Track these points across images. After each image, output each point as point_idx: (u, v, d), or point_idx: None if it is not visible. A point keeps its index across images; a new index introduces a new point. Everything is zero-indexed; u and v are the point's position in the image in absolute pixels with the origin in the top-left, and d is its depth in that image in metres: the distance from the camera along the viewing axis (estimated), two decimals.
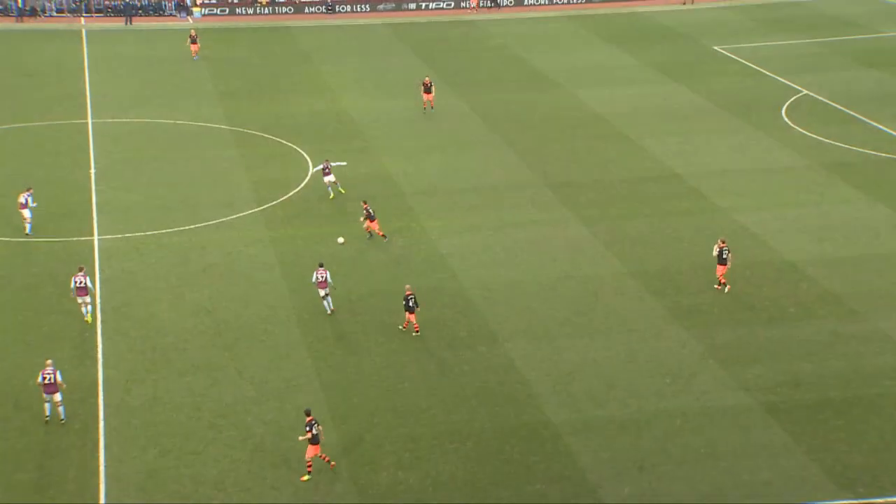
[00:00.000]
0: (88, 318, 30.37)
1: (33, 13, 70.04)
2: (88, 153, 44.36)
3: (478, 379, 28.26)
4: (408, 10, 76.78)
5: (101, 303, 31.61)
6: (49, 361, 26.14)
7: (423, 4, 76.72)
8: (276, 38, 67.82)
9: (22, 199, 35.97)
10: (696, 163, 44.56)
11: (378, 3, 76.12)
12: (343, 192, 39.55)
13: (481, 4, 76.50)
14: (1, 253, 34.32)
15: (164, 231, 36.43)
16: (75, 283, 30.20)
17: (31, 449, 24.80)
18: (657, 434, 25.90)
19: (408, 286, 30.70)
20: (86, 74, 57.05)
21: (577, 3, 78.95)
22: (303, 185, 41.62)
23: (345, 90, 55.47)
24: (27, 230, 35.78)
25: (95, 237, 36.02)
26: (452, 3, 76.97)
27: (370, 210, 36.26)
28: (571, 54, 63.29)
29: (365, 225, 36.25)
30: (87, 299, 30.20)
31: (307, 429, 24.13)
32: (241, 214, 38.44)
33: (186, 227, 36.74)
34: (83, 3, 71.55)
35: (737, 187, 41.57)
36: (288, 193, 40.61)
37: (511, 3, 77.76)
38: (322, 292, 31.26)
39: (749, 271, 34.34)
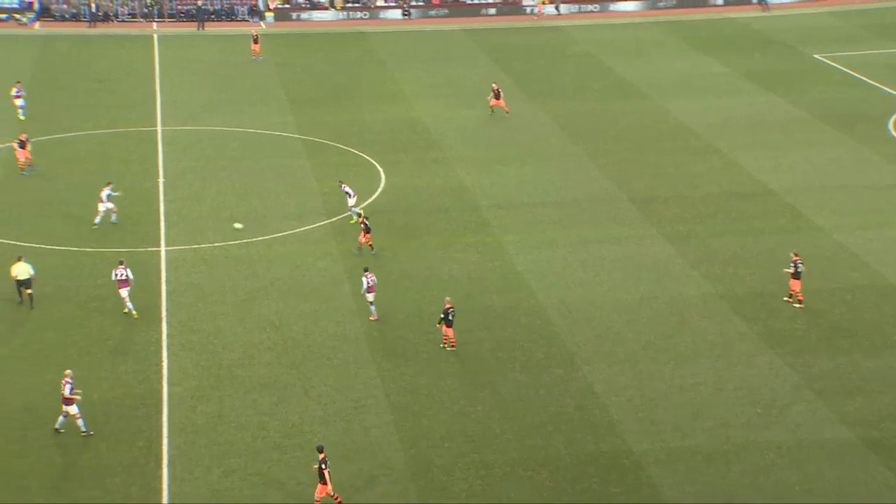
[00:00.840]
0: (135, 313, 31.55)
1: (106, 18, 72.19)
2: (157, 162, 45.45)
3: (554, 403, 28.07)
4: (466, 15, 77.00)
5: (167, 316, 32.28)
6: (68, 372, 26.56)
7: (483, 10, 77.02)
8: (351, 44, 68.69)
9: (103, 195, 37.87)
10: (792, 178, 43.71)
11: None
12: (360, 215, 38.41)
13: (545, 11, 76.52)
14: (68, 263, 35.32)
15: (232, 243, 37.09)
16: (116, 275, 31.58)
17: (94, 465, 25.39)
18: (747, 468, 25.38)
19: (448, 299, 30.74)
20: (156, 81, 58.52)
21: (664, 8, 78.37)
22: (375, 196, 42.00)
23: (420, 98, 55.85)
24: (112, 220, 37.92)
25: (162, 248, 36.85)
26: (494, 10, 77.03)
27: (367, 223, 36.15)
28: (658, 62, 62.74)
29: (361, 238, 36.14)
30: (126, 292, 31.55)
31: (321, 466, 23.53)
32: (311, 227, 38.94)
33: (255, 239, 37.35)
34: (155, 8, 73.52)
35: (837, 205, 40.65)
36: (359, 205, 41.00)
37: (573, 10, 77.63)
38: (371, 297, 31.66)
39: (849, 295, 33.52)
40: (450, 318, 30.22)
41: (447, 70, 61.51)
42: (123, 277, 31.70)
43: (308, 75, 60.67)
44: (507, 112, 51.87)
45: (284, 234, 38.28)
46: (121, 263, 32.11)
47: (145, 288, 33.82)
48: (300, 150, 47.64)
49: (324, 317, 32.40)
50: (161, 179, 43.35)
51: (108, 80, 57.43)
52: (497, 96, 52.12)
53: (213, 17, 73.70)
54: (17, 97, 50.38)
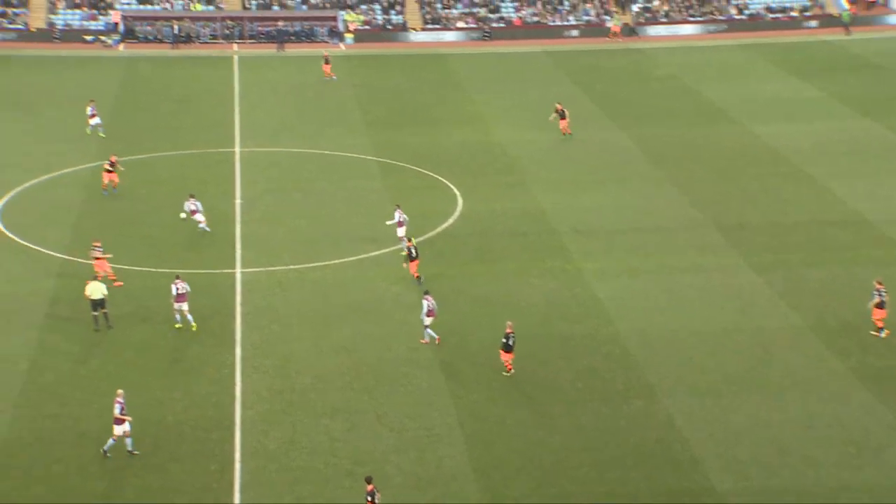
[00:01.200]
0: (193, 325, 32.54)
1: (188, 40, 74.06)
2: (234, 183, 46.28)
3: (634, 436, 27.68)
4: (548, 36, 77.00)
5: (241, 339, 32.75)
6: (119, 392, 27.05)
7: (566, 32, 76.95)
8: (429, 66, 69.26)
9: (192, 207, 39.94)
10: (889, 207, 42.62)
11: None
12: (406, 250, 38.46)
13: (622, 32, 76.20)
14: (145, 284, 36.10)
15: (306, 265, 37.53)
16: (175, 290, 32.71)
17: (167, 488, 25.75)
18: None
19: (509, 323, 30.62)
20: (235, 102, 59.73)
21: (752, 29, 77.42)
22: (451, 220, 42.11)
23: (498, 120, 55.96)
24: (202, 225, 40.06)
25: (238, 270, 37.44)
26: (577, 32, 76.88)
27: (414, 248, 35.89)
28: (747, 85, 61.92)
29: (405, 265, 35.97)
30: (185, 306, 32.65)
31: (368, 498, 23.52)
32: (386, 250, 39.19)
33: (329, 262, 37.72)
34: (236, 30, 75.18)
35: None
36: (436, 229, 41.17)
37: (647, 32, 77.18)
38: (428, 321, 31.87)
39: None
40: (510, 343, 30.18)
41: (527, 92, 61.56)
42: (183, 292, 32.86)
43: (386, 97, 61.29)
44: (569, 134, 51.90)
45: (359, 257, 38.59)
46: (178, 278, 33.29)
47: (220, 310, 34.38)
48: (376, 172, 48.08)
49: (398, 342, 32.51)
50: (238, 201, 44.13)
51: (188, 102, 58.79)
52: (562, 116, 52.19)
53: (292, 38, 75.07)
54: (92, 116, 52.01)
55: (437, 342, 32.05)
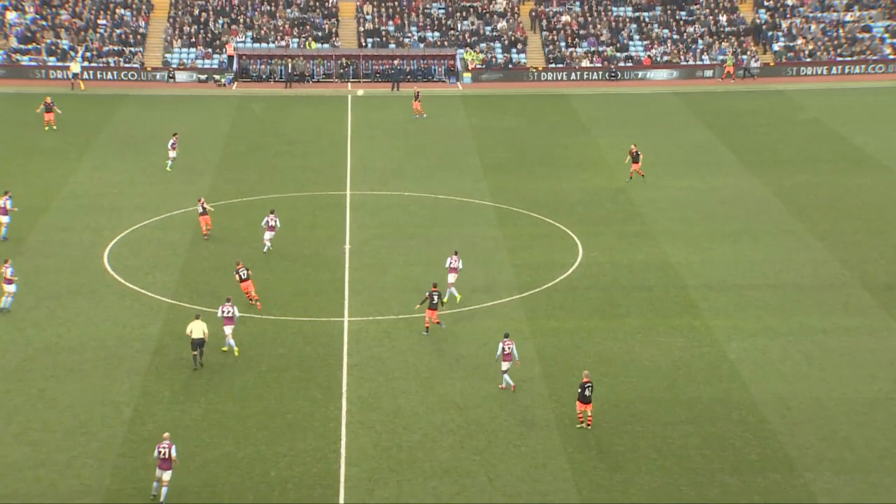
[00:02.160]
0: (236, 350, 34.59)
1: (301, 79, 76.07)
2: (344, 228, 47.03)
3: None
4: (679, 77, 76.32)
5: (347, 391, 33.02)
6: (166, 435, 27.56)
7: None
8: (552, 107, 69.44)
9: (270, 223, 43.55)
10: None
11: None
12: (458, 298, 38.39)
13: (737, 74, 74.95)
14: (250, 331, 36.82)
15: (416, 316, 37.71)
16: (222, 312, 34.96)
17: None
18: None
19: (586, 373, 30.36)
20: (347, 143, 60.87)
21: None
22: (570, 270, 41.85)
23: (624, 166, 55.59)
24: (265, 248, 43.69)
25: (346, 319, 37.88)
26: (712, 72, 75.91)
27: (438, 294, 36.05)
28: None
29: (427, 316, 36.04)
30: (230, 330, 34.90)
31: None
32: (501, 301, 39.13)
33: (441, 313, 37.82)
34: (351, 69, 76.89)
35: None
36: (554, 280, 40.95)
37: (758, 72, 75.73)
38: (505, 366, 32.19)
39: None
40: (587, 393, 29.97)
41: (656, 136, 61.08)
42: (230, 315, 34.80)
43: (504, 139, 61.61)
44: (641, 176, 51.81)
45: (472, 308, 38.61)
46: (227, 301, 35.10)
47: (326, 360, 34.79)
48: (492, 218, 48.22)
49: (511, 400, 32.29)
50: (347, 246, 44.79)
51: (299, 143, 60.19)
52: (636, 159, 51.82)
53: (408, 77, 76.33)
54: (172, 148, 54.94)
55: (511, 389, 32.33)
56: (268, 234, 43.50)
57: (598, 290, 40.07)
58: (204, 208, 45.15)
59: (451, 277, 38.61)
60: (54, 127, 61.68)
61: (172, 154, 55.26)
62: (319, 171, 55.47)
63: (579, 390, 30.19)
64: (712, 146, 57.58)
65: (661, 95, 71.68)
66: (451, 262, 38.98)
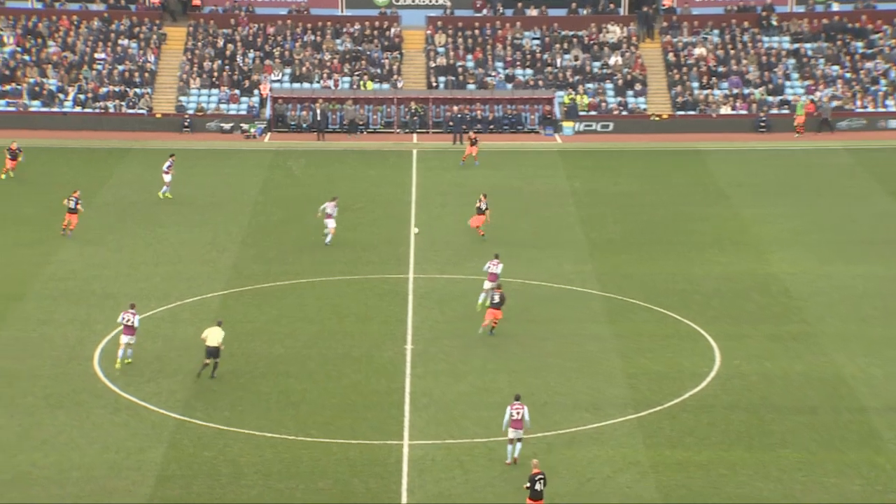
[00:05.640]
0: (127, 360, 42.24)
1: (352, 129, 77.31)
2: (405, 321, 47.30)
3: None
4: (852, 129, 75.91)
5: None
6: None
7: (881, 122, 75.91)
8: (680, 166, 69.57)
9: (328, 210, 52.80)
10: None
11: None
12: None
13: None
14: (280, 456, 36.90)
15: (497, 439, 37.66)
16: (123, 319, 42.01)
17: None
18: None
19: (535, 461, 32.64)
20: (411, 210, 61.47)
21: None
22: (704, 383, 41.53)
23: (778, 245, 55.36)
24: (327, 240, 54.58)
25: (405, 442, 37.91)
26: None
27: (501, 295, 38.86)
28: None
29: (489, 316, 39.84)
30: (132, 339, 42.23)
31: None
32: (610, 422, 38.91)
33: (531, 436, 37.74)
34: (417, 116, 77.93)
35: None
36: (681, 396, 40.68)
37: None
38: (513, 434, 35.13)
39: None
40: (537, 488, 31.70)
41: (822, 207, 60.84)
42: (129, 324, 41.96)
43: (616, 208, 61.75)
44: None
45: (572, 430, 38.44)
46: (131, 307, 42.79)
47: (379, 497, 34.80)
48: (599, 312, 48.15)
49: None
50: (408, 346, 45.00)
51: (349, 210, 60.91)
52: None
53: (491, 127, 77.09)
54: (167, 172, 61.21)
55: (514, 462, 35.37)
56: (330, 223, 54.22)
57: (741, 411, 39.68)
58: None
59: (488, 284, 39.83)
60: (11, 175, 64.59)
61: (167, 178, 60.92)
62: (374, 248, 56.03)
63: (528, 485, 32.39)
64: None
65: (829, 153, 71.39)
66: (489, 267, 41.87)
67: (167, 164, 62.24)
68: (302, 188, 66.03)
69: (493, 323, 44.91)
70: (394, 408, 40.06)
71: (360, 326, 46.94)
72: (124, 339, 42.34)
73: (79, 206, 56.19)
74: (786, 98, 78.71)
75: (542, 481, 32.64)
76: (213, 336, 40.74)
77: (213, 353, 40.74)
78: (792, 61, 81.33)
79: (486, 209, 55.35)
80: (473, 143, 69.00)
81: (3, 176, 64.86)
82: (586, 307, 48.75)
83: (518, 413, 35.83)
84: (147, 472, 35.96)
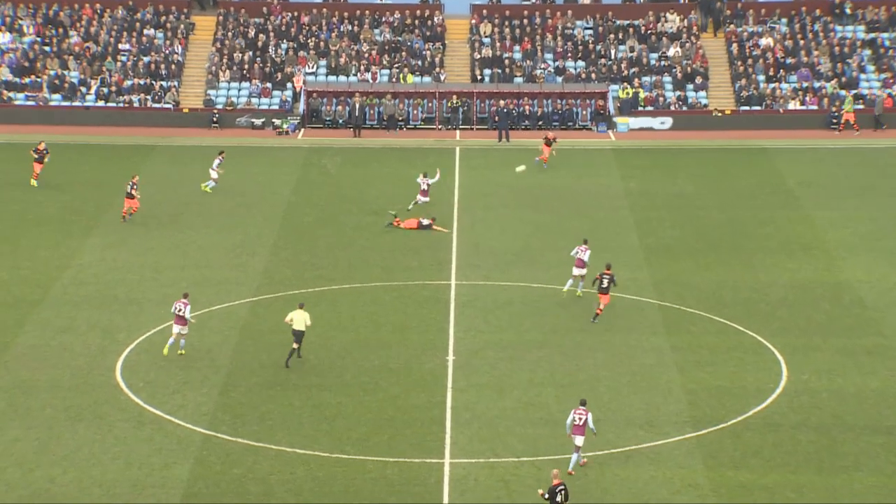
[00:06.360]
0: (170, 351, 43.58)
1: (391, 124, 77.54)
2: (447, 332, 47.34)
3: None
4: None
5: None
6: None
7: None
8: (744, 164, 69.33)
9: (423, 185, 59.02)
10: None
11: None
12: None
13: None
14: (313, 474, 37.07)
15: (544, 458, 37.63)
16: (176, 309, 43.88)
17: None
18: None
19: (555, 472, 33.24)
20: (454, 212, 61.54)
21: None
22: (769, 400, 41.36)
23: (852, 252, 55.13)
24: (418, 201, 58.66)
25: (446, 460, 37.94)
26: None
27: (611, 278, 40.88)
28: None
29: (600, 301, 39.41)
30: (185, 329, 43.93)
31: None
32: (667, 441, 38.82)
33: (583, 455, 37.67)
34: (460, 112, 78.00)
35: None
36: (744, 413, 40.54)
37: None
38: (579, 441, 36.21)
39: None
40: (558, 500, 32.28)
41: None
42: (181, 314, 43.07)
43: (674, 211, 61.60)
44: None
45: (626, 449, 38.37)
46: (185, 296, 44.18)
47: None
48: (656, 322, 48.06)
49: None
50: (450, 358, 45.03)
51: (387, 211, 61.08)
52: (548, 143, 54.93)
53: (540, 123, 77.06)
54: (217, 168, 64.59)
55: (581, 464, 36.18)
56: (420, 199, 59.65)
57: (810, 431, 39.50)
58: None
59: (577, 271, 40.00)
60: (35, 184, 64.70)
61: (215, 175, 62.77)
62: (415, 252, 56.14)
63: (547, 496, 32.83)
64: None
65: None
66: (577, 252, 42.81)
67: (216, 161, 63.80)
68: (337, 188, 66.26)
69: (598, 310, 46.66)
70: (434, 423, 40.11)
71: (398, 336, 47.03)
72: (175, 328, 44.21)
73: (134, 192, 58.28)
74: (860, 92, 78.21)
75: (563, 493, 32.92)
76: (299, 319, 43.12)
77: (299, 336, 43.20)
78: (867, 52, 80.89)
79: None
80: (549, 142, 68.43)
81: (35, 182, 64.56)
82: (641, 317, 48.65)
83: (581, 419, 36.29)
84: (172, 490, 36.14)
